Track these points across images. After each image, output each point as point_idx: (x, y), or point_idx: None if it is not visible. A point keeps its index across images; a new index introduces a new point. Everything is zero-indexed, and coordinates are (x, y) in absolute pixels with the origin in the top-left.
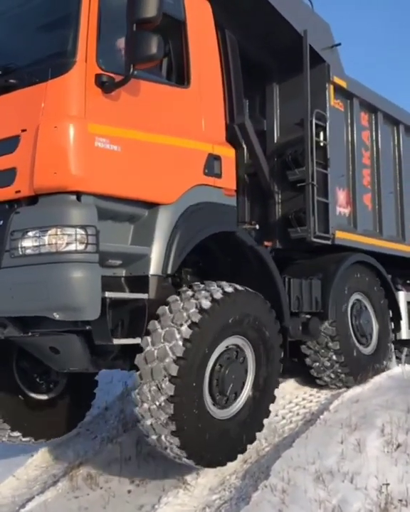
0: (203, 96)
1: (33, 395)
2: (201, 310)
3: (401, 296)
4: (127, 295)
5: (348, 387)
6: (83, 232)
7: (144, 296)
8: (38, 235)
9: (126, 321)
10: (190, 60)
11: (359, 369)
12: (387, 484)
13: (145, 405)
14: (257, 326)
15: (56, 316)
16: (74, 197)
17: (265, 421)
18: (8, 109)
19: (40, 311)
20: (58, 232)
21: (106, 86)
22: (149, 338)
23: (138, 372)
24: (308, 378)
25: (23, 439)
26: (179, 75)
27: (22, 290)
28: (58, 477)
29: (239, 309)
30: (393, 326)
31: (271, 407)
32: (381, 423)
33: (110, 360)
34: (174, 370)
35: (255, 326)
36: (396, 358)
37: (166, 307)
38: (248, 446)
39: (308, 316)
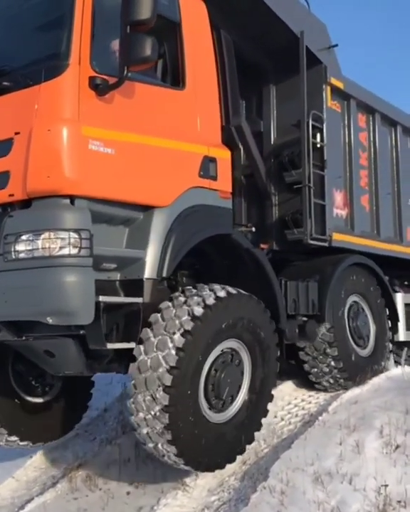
0: (198, 98)
1: (29, 398)
2: (194, 317)
3: (399, 297)
4: (121, 299)
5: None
6: (77, 236)
7: (139, 300)
8: (31, 238)
9: (121, 325)
10: (185, 61)
11: (357, 372)
12: (386, 485)
13: (140, 415)
14: (251, 327)
15: (50, 320)
16: (67, 200)
17: (264, 422)
18: (1, 112)
19: (33, 316)
20: (52, 236)
21: (100, 88)
22: (141, 347)
23: (132, 382)
24: (307, 380)
25: (21, 443)
26: (174, 76)
27: (15, 294)
28: (57, 478)
29: (232, 313)
30: (390, 328)
31: (270, 408)
32: (379, 424)
33: (106, 363)
34: (167, 379)
35: (249, 328)
36: (395, 361)
37: (159, 314)
38: (247, 446)
39: (305, 319)
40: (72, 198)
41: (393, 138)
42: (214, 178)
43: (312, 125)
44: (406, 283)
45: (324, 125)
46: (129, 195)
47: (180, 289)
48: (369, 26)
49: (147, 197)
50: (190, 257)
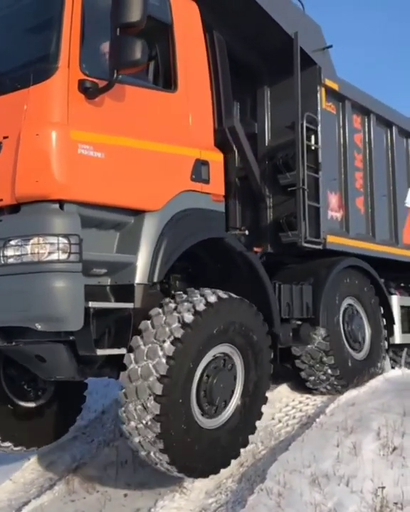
0: (190, 100)
1: (21, 403)
2: (184, 324)
3: (394, 300)
4: (111, 304)
5: None
6: (66, 241)
7: (130, 305)
8: (20, 244)
9: (111, 330)
10: (177, 63)
11: (354, 377)
12: (383, 487)
13: (132, 423)
14: (243, 331)
15: (38, 326)
16: (56, 205)
17: (262, 424)
18: None
19: (21, 322)
20: (40, 241)
21: (89, 92)
22: (132, 356)
23: (123, 391)
24: (304, 383)
25: (15, 449)
26: (165, 79)
27: (3, 300)
28: (55, 481)
29: (224, 318)
30: (386, 331)
31: (267, 410)
32: (377, 426)
33: (97, 368)
34: (158, 389)
35: (241, 332)
36: (393, 361)
37: (149, 322)
38: (243, 449)
39: (299, 322)
40: (61, 203)
41: (389, 139)
42: (206, 181)
43: (307, 127)
44: (402, 285)
45: (319, 127)
46: (119, 200)
47: (171, 294)
48: (369, 26)
49: (138, 201)
50: (183, 261)
